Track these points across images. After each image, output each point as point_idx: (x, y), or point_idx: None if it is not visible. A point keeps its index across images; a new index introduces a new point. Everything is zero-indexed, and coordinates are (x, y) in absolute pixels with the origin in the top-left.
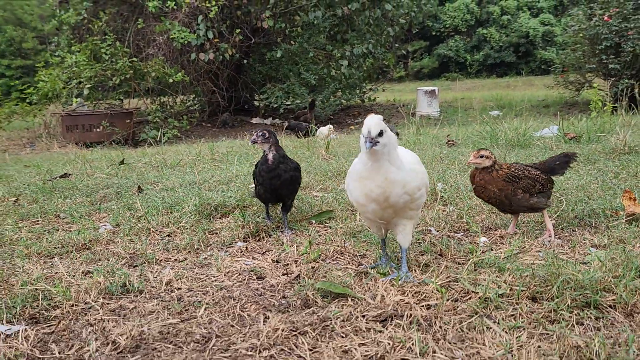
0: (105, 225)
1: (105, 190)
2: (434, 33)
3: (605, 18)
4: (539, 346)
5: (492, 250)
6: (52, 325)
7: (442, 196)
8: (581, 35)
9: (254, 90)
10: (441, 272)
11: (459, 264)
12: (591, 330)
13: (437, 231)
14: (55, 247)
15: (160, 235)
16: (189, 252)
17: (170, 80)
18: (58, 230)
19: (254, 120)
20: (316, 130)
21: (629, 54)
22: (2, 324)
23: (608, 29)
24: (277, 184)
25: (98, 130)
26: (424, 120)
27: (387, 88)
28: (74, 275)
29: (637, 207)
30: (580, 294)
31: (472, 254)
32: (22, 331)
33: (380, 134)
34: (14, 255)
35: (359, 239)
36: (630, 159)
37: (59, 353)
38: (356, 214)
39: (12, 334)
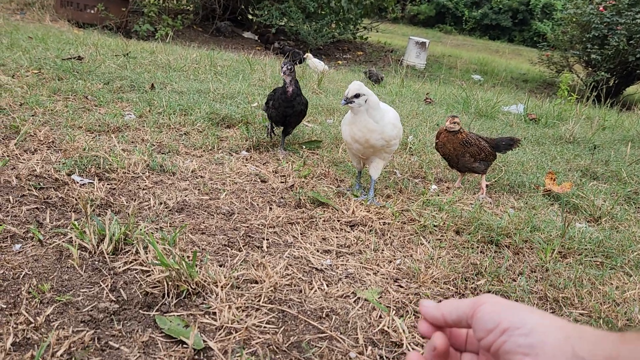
0: (130, 114)
1: (120, 81)
2: None
3: (601, 8)
4: (451, 259)
5: (438, 195)
6: (113, 183)
7: (411, 147)
8: (575, 19)
9: (250, 4)
10: (398, 203)
11: (411, 200)
12: (487, 257)
13: (401, 174)
14: (94, 125)
15: (178, 133)
16: (204, 151)
17: None
18: (90, 110)
19: (246, 34)
20: (305, 58)
21: (612, 47)
22: (77, 175)
23: (600, 20)
24: (290, 113)
25: (92, 11)
26: (409, 70)
27: (380, 29)
28: (119, 150)
29: (553, 186)
30: (489, 234)
31: (423, 195)
32: (96, 183)
33: (357, 96)
34: (62, 125)
35: (339, 167)
36: (570, 148)
37: (126, 202)
38: (339, 147)
39: (85, 183)
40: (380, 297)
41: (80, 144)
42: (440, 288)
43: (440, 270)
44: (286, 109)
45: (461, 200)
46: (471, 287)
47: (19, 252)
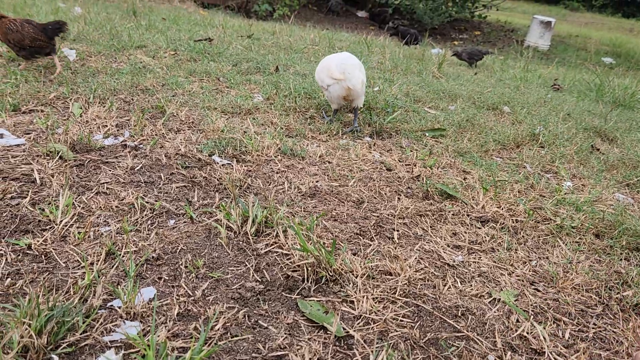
0: (258, 96)
1: (247, 63)
2: None
3: None
4: (592, 265)
5: (573, 193)
6: (249, 165)
7: (539, 139)
8: None
9: None
10: (530, 200)
11: (544, 197)
12: (634, 266)
13: (531, 168)
14: (227, 106)
15: (304, 116)
16: (329, 136)
17: None
18: (222, 91)
19: (360, 14)
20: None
21: None
22: (217, 156)
23: None
24: None
25: None
26: (531, 52)
27: (500, 7)
28: (253, 133)
29: None
30: (635, 240)
31: (557, 193)
32: (234, 164)
33: None
34: (199, 106)
35: (465, 157)
36: None
37: (262, 185)
38: (464, 136)
39: (224, 164)
40: (517, 299)
41: (217, 126)
42: (582, 296)
43: (581, 276)
44: None
45: (600, 200)
46: (616, 298)
47: (174, 228)
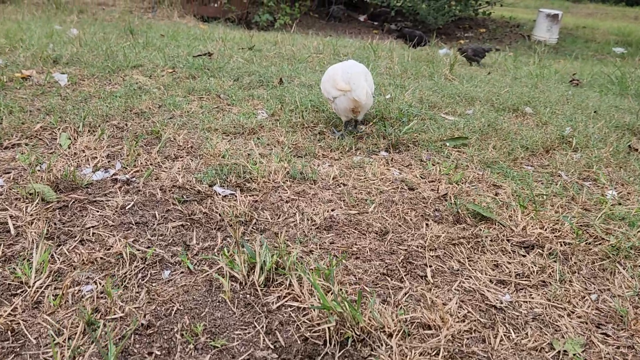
0: (262, 112)
1: (249, 77)
2: None
3: None
4: None
5: (620, 204)
6: (254, 194)
7: (569, 141)
8: None
9: None
10: (575, 215)
11: (589, 211)
12: None
13: (567, 176)
14: (229, 126)
15: (313, 132)
16: (342, 152)
17: None
18: (224, 109)
19: (362, 18)
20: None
21: None
22: (219, 186)
23: None
24: None
25: (215, 5)
26: (540, 47)
27: (503, 2)
28: (257, 156)
29: None
30: None
31: (603, 205)
32: (238, 195)
33: None
34: (198, 127)
35: (494, 169)
36: None
37: (271, 218)
38: (490, 143)
39: (227, 195)
40: (584, 351)
41: (219, 150)
42: None
43: None
44: None
45: None
46: None
47: (169, 281)
